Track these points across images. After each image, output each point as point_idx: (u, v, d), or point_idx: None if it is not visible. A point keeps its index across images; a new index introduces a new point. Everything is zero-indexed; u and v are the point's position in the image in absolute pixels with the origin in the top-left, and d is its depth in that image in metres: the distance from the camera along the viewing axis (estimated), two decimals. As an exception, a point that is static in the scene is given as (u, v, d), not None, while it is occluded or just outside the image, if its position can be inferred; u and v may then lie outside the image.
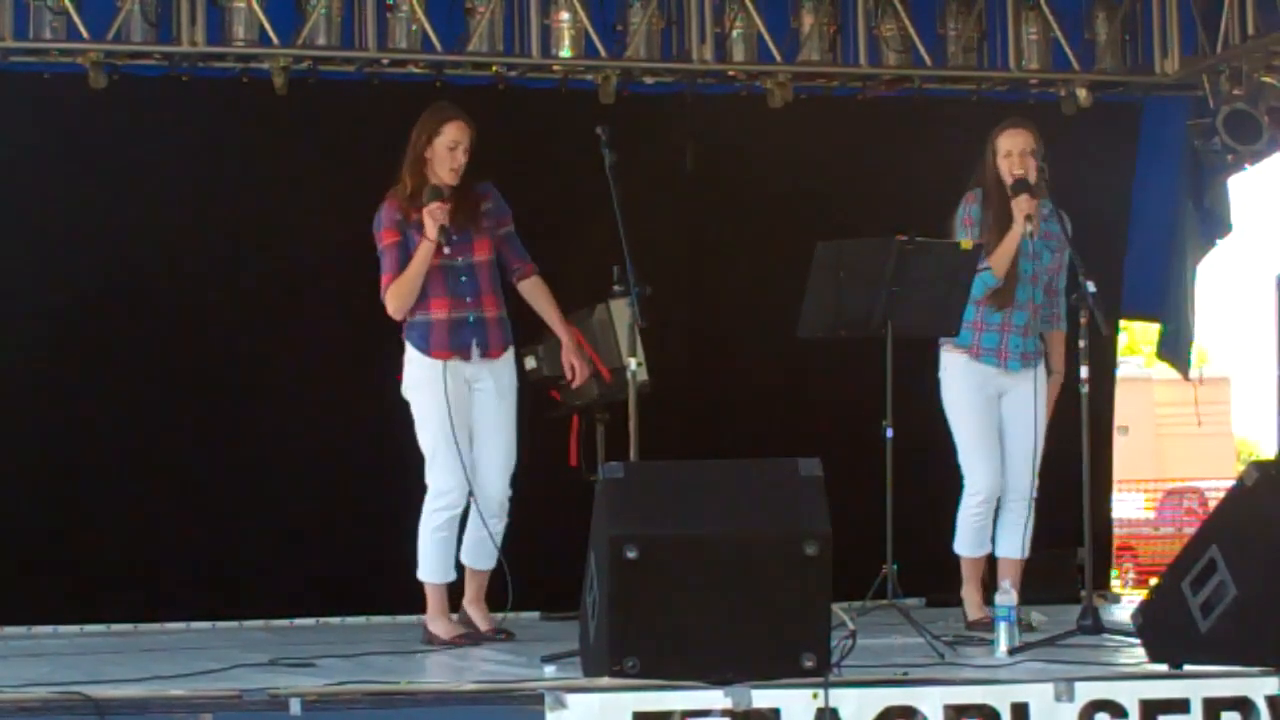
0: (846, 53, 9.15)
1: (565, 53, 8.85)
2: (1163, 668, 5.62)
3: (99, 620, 8.24)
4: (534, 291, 7.11)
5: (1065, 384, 7.30)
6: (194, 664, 6.07)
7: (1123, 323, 10.42)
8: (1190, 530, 9.90)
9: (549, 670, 5.80)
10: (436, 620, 7.00)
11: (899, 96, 9.40)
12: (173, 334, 8.57)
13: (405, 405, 7.00)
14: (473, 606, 7.11)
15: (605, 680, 5.27)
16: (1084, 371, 6.94)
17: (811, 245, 7.06)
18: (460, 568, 7.04)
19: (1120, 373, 10.65)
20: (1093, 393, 6.93)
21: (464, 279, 6.96)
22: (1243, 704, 5.34)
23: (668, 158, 8.96)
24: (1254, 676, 5.40)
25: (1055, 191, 7.14)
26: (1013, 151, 7.16)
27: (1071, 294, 6.97)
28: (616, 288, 6.61)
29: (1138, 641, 5.92)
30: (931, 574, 7.48)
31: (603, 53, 8.85)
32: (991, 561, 7.41)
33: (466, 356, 6.95)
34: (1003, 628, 6.20)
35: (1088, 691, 5.31)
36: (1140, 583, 19.33)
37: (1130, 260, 9.60)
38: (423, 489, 6.95)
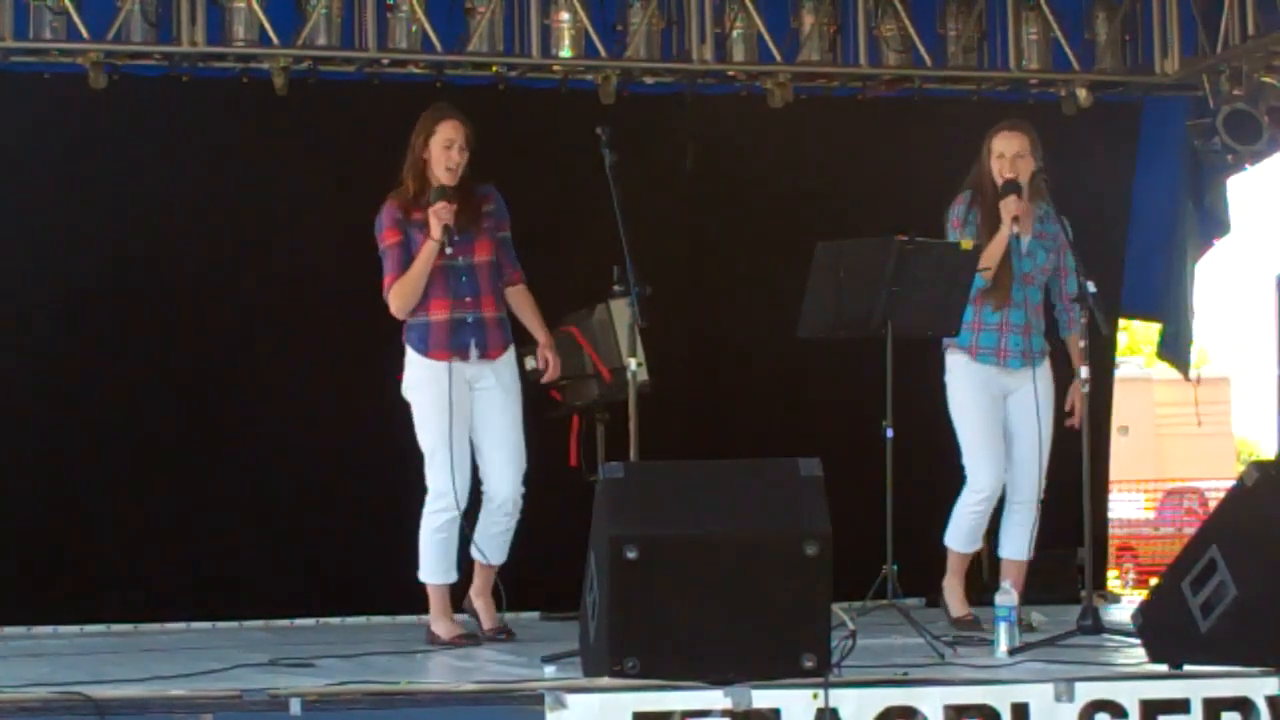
0: (846, 53, 9.15)
1: (565, 53, 8.85)
2: (1163, 668, 5.62)
3: (99, 620, 8.24)
4: (518, 299, 7.14)
5: (1066, 385, 7.29)
6: (194, 664, 6.07)
7: (1122, 322, 10.43)
8: (1190, 530, 9.91)
9: (549, 670, 5.80)
10: (438, 621, 7.01)
11: (899, 96, 9.40)
12: (173, 334, 8.57)
13: (405, 405, 7.00)
14: (479, 599, 7.12)
15: (605, 680, 5.27)
16: (1084, 372, 6.97)
17: (811, 245, 7.06)
18: (469, 561, 7.04)
19: (1120, 373, 10.67)
20: (1093, 393, 6.95)
21: (464, 279, 6.97)
22: (1243, 704, 5.34)
23: (668, 158, 8.97)
24: (1254, 676, 5.40)
25: (1055, 191, 7.14)
26: (1006, 153, 7.17)
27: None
28: (616, 288, 6.61)
29: (1138, 641, 5.92)
30: (932, 574, 7.46)
31: (603, 53, 8.86)
32: (994, 561, 7.42)
33: (465, 357, 6.95)
34: (1003, 628, 6.19)
35: (1088, 691, 5.31)
36: (1140, 583, 19.33)
37: (1130, 260, 9.60)
38: (423, 489, 6.95)
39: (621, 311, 7.35)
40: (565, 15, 8.83)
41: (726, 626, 5.30)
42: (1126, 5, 9.44)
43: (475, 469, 6.98)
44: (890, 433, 7.02)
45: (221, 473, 8.52)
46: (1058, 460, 7.27)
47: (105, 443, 8.46)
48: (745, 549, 5.36)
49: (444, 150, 6.94)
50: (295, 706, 5.07)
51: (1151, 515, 24.33)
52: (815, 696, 5.16)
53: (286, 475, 8.55)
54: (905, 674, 5.46)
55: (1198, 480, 26.01)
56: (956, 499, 7.22)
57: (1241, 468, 8.14)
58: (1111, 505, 11.81)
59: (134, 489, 8.46)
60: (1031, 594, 7.26)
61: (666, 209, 8.70)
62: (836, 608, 5.53)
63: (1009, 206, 7.04)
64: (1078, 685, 5.32)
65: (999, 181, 7.13)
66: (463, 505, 6.91)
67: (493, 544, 7.03)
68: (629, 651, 5.26)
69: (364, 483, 8.45)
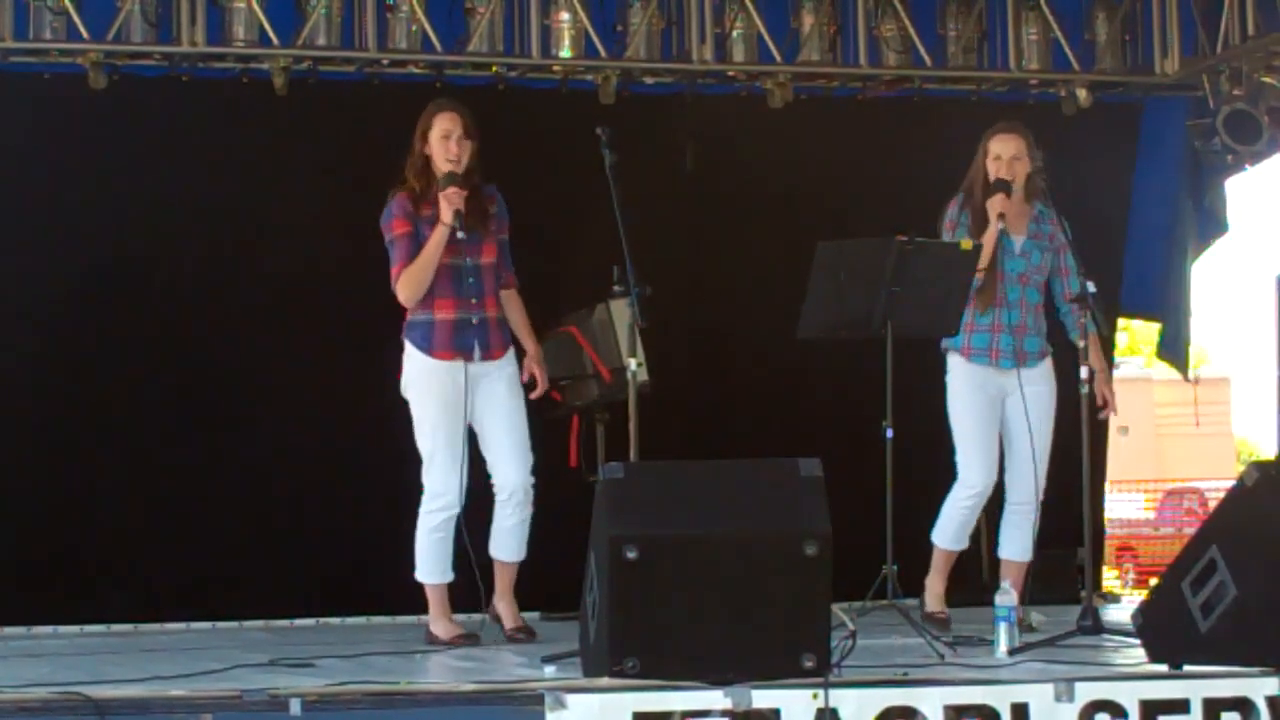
0: (846, 53, 9.15)
1: (565, 53, 8.85)
2: (1163, 668, 5.62)
3: (99, 620, 8.24)
4: (510, 303, 7.14)
5: (1069, 385, 7.27)
6: (194, 664, 6.07)
7: (1122, 322, 10.42)
8: (1190, 530, 9.91)
9: (549, 670, 5.80)
10: (437, 621, 7.01)
11: (899, 97, 9.40)
12: (173, 334, 8.56)
13: (405, 405, 7.00)
14: (501, 602, 7.11)
15: (605, 680, 5.27)
16: (1084, 372, 6.96)
17: (811, 245, 7.06)
18: (475, 566, 7.03)
19: (1120, 373, 10.68)
20: (1092, 393, 6.94)
21: (471, 280, 6.98)
22: (1243, 704, 5.34)
23: (668, 158, 8.96)
24: (1254, 676, 5.40)
25: (1055, 191, 7.14)
26: (1002, 155, 7.19)
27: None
28: (616, 288, 6.61)
29: (1138, 641, 5.92)
30: (932, 574, 7.46)
31: (603, 53, 8.86)
32: (994, 561, 7.42)
33: (469, 357, 6.95)
34: (1003, 628, 6.19)
35: (1088, 692, 5.31)
36: (1140, 583, 19.33)
37: (1129, 259, 9.60)
38: (423, 489, 6.96)
39: (621, 311, 7.35)
40: (565, 15, 8.83)
41: (726, 626, 5.30)
42: (1126, 5, 9.44)
43: (475, 469, 6.98)
44: (890, 433, 7.02)
45: (221, 473, 8.52)
46: (1057, 460, 7.27)
47: (105, 443, 8.46)
48: (745, 549, 5.36)
49: (443, 141, 6.95)
50: (295, 706, 5.07)
51: (1151, 515, 24.34)
52: (815, 696, 5.16)
53: (286, 475, 8.55)
54: (905, 674, 5.46)
55: (1197, 480, 26.03)
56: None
57: (1241, 468, 8.14)
58: (1111, 505, 11.81)
59: (134, 489, 8.46)
60: (1031, 594, 7.26)
61: (666, 209, 8.69)
62: (836, 608, 5.53)
63: (995, 204, 7.07)
64: (1078, 685, 5.32)
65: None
66: (461, 504, 6.91)
67: (509, 539, 7.02)
68: (629, 651, 5.26)
69: (364, 483, 8.44)
